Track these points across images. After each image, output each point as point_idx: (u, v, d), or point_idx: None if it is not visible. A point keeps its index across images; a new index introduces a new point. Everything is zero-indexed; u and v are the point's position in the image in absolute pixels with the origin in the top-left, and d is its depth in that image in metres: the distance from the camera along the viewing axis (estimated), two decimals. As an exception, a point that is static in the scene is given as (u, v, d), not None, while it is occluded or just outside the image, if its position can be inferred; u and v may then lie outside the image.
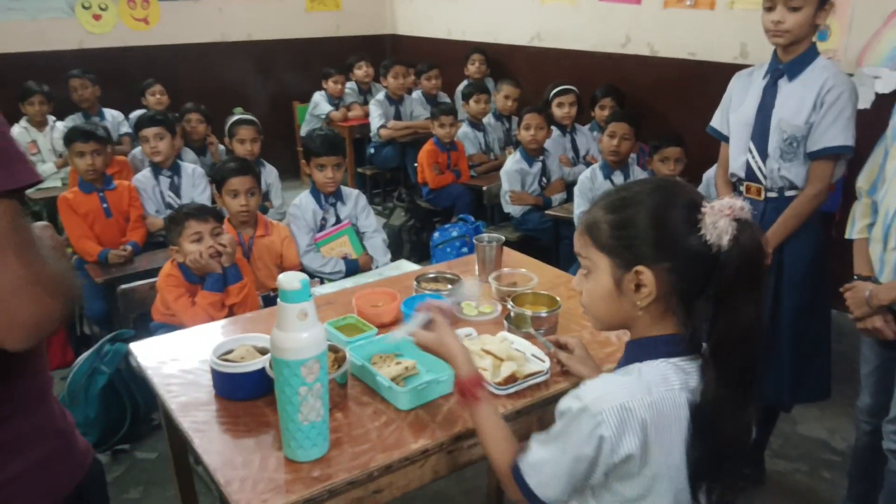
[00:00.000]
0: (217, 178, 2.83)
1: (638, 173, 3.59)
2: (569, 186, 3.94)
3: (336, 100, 5.53)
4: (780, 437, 2.73)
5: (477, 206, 4.23)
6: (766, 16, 2.05)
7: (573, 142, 4.33)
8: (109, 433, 2.73)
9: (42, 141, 4.41)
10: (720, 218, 0.98)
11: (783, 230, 2.12)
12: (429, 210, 4.42)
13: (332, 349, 1.45)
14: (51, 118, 4.48)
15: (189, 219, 2.41)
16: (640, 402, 0.99)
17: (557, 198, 3.96)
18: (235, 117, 3.91)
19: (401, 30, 6.55)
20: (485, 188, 4.10)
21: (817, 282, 2.20)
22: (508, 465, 1.13)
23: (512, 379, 1.45)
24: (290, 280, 1.13)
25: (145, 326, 2.61)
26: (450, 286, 1.88)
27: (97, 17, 5.28)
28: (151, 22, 5.50)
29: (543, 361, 1.51)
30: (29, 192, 4.21)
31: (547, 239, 3.83)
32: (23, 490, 0.93)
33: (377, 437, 1.31)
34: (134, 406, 2.77)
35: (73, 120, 4.50)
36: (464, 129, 4.57)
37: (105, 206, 3.26)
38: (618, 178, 3.51)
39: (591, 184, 3.48)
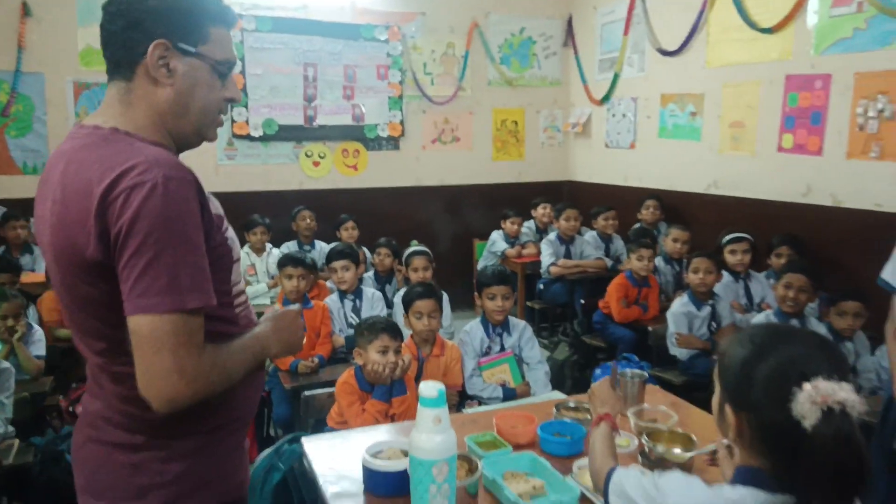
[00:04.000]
0: (405, 300, 3.16)
1: (814, 324, 3.43)
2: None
3: (512, 238, 5.90)
4: None
5: (642, 346, 4.21)
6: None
7: (747, 288, 4.23)
8: (278, 529, 2.99)
9: (259, 264, 5.17)
10: (808, 401, 0.99)
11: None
12: (593, 346, 4.47)
13: (467, 460, 1.59)
14: (269, 245, 5.26)
15: (384, 333, 2.71)
16: None
17: (728, 345, 3.83)
18: (411, 249, 4.37)
19: (578, 177, 6.91)
20: (651, 328, 4.10)
21: None
22: (606, 469, 1.32)
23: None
24: (429, 388, 1.33)
25: (320, 431, 2.91)
26: (588, 416, 1.96)
27: (316, 164, 6.22)
28: (360, 168, 6.35)
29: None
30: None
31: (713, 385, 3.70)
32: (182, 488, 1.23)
33: (498, 546, 1.41)
34: (301, 505, 3.02)
35: (288, 247, 5.25)
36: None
37: (301, 321, 3.72)
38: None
39: (764, 332, 3.37)
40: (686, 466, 1.72)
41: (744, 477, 1.12)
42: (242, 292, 1.37)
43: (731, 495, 1.10)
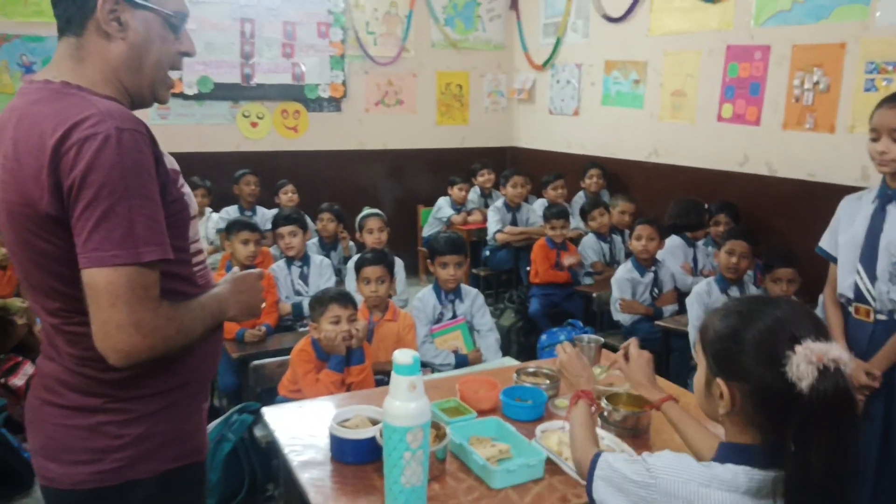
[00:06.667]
0: (356, 266, 3.16)
1: (752, 291, 3.57)
2: (682, 296, 3.93)
3: (459, 205, 5.90)
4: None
5: (587, 312, 4.31)
6: (871, 145, 2.11)
7: (694, 257, 4.34)
8: (227, 498, 2.95)
9: (199, 229, 4.99)
10: (804, 362, 1.00)
11: (894, 354, 2.08)
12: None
13: (434, 426, 1.60)
14: (208, 210, 5.09)
15: (333, 302, 2.68)
16: (696, 491, 1.07)
17: (669, 309, 3.96)
18: (365, 211, 4.32)
19: (522, 143, 6.93)
20: (594, 294, 4.18)
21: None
22: (590, 455, 1.28)
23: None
24: (403, 356, 1.32)
25: (270, 401, 2.86)
26: (547, 381, 1.99)
27: (254, 125, 6.02)
28: (300, 131, 6.19)
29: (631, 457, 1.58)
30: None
31: (656, 349, 3.82)
32: (141, 448, 1.21)
33: (469, 510, 1.43)
34: (252, 475, 2.99)
35: (229, 212, 5.09)
36: (588, 239, 4.70)
37: (261, 285, 3.62)
38: (734, 292, 3.52)
39: (707, 297, 3.49)
40: (642, 422, 1.77)
41: (734, 455, 1.11)
42: (200, 251, 1.34)
43: (723, 474, 1.09)
